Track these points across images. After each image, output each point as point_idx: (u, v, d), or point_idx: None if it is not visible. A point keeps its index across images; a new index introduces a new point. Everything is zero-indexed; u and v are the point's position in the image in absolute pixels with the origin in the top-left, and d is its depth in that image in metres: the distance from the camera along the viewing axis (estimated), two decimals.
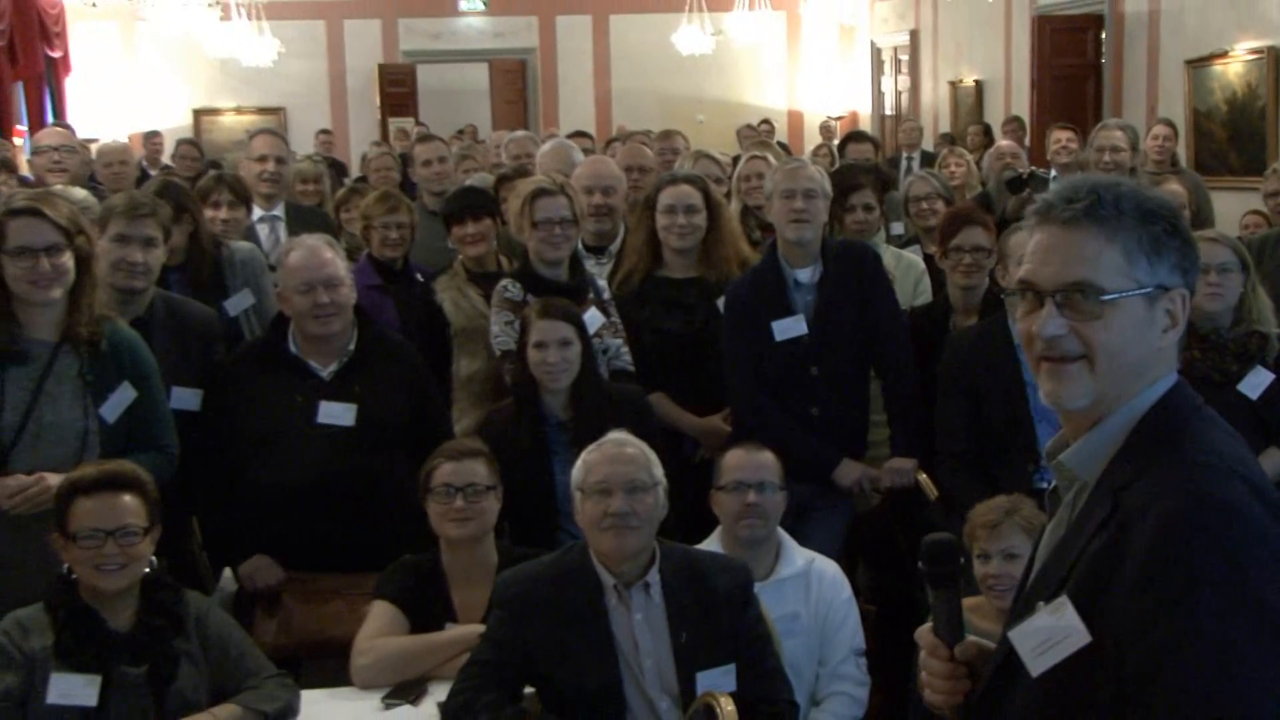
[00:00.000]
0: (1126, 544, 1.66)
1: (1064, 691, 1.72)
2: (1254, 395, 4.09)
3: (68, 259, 3.59)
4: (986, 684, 1.88)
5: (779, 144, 11.31)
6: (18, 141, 11.20)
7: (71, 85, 16.07)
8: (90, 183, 7.32)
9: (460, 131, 14.49)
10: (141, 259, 4.13)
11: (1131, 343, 1.76)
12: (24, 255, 3.54)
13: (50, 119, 14.42)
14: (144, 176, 8.56)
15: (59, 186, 5.69)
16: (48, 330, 3.63)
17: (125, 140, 9.91)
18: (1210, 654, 1.57)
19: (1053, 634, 1.72)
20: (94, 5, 13.95)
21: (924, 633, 2.00)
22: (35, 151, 7.70)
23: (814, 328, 4.45)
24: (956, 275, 4.70)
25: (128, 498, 3.17)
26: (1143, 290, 1.75)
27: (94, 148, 8.70)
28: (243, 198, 5.56)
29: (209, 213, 5.25)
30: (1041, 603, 1.76)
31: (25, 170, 8.49)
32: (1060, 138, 7.89)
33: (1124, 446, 1.77)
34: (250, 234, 5.71)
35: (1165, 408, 1.78)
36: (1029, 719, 1.78)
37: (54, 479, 3.41)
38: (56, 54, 15.54)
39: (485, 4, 17.87)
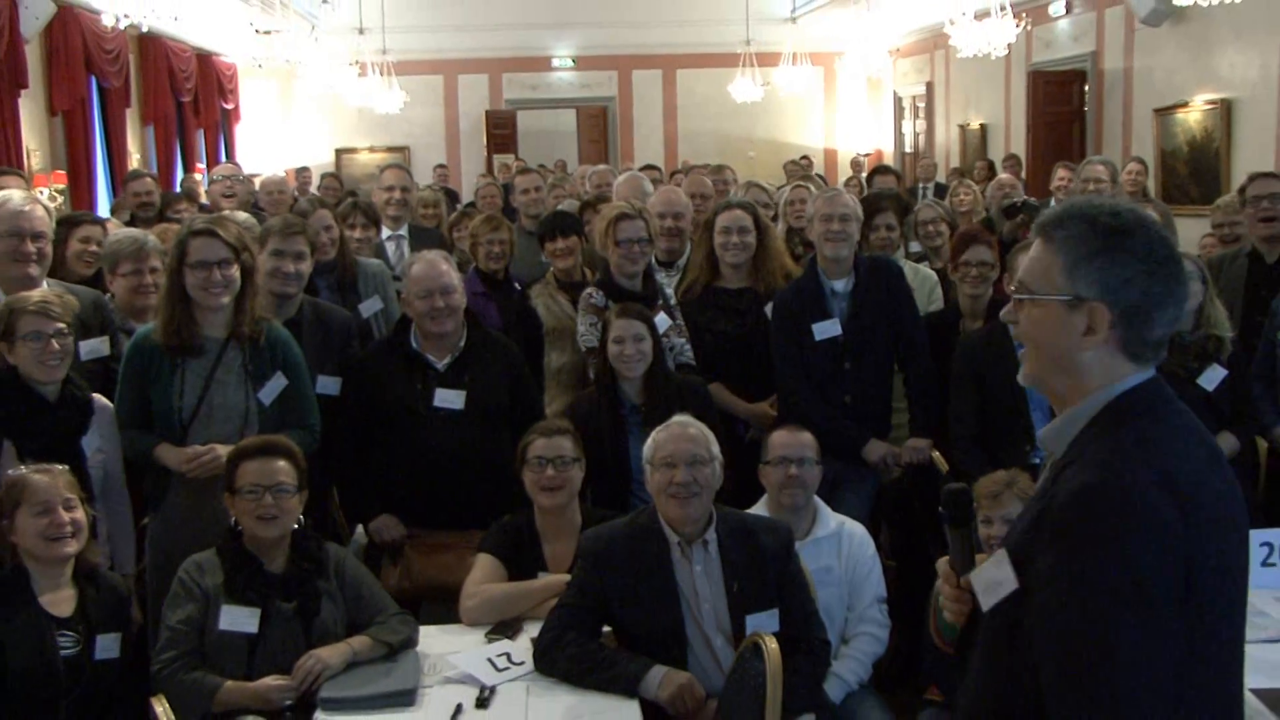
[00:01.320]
0: (1049, 511, 1.67)
1: (1003, 624, 1.74)
2: (1210, 388, 4.08)
3: (235, 271, 3.62)
4: (972, 611, 1.92)
5: (817, 175, 11.23)
6: (198, 177, 11.40)
7: (240, 130, 16.36)
8: (254, 208, 7.41)
9: (542, 164, 14.57)
10: (294, 269, 4.16)
11: (1049, 337, 1.75)
12: (201, 267, 3.58)
13: (223, 158, 14.67)
14: (294, 203, 8.64)
15: (228, 211, 5.76)
16: (219, 329, 3.66)
17: (282, 174, 10.05)
18: (1081, 616, 1.58)
19: (994, 579, 1.76)
20: (259, 66, 14.14)
21: (942, 563, 2.04)
22: (211, 183, 7.83)
23: (847, 329, 4.39)
24: (965, 285, 4.64)
25: (282, 462, 3.21)
26: (1060, 296, 1.73)
27: (257, 180, 8.83)
28: (374, 220, 5.61)
29: (345, 232, 5.31)
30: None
31: (204, 199, 8.63)
32: (1063, 175, 7.76)
33: (1083, 430, 1.75)
34: (380, 250, 5.75)
35: (1124, 400, 1.73)
36: (985, 641, 1.81)
37: (223, 449, 3.46)
38: (229, 106, 15.82)
39: (574, 61, 17.90)
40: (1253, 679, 2.02)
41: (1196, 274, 4.09)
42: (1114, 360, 1.73)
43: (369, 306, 4.90)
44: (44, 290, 3.75)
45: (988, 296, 4.63)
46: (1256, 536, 3.23)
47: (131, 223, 6.81)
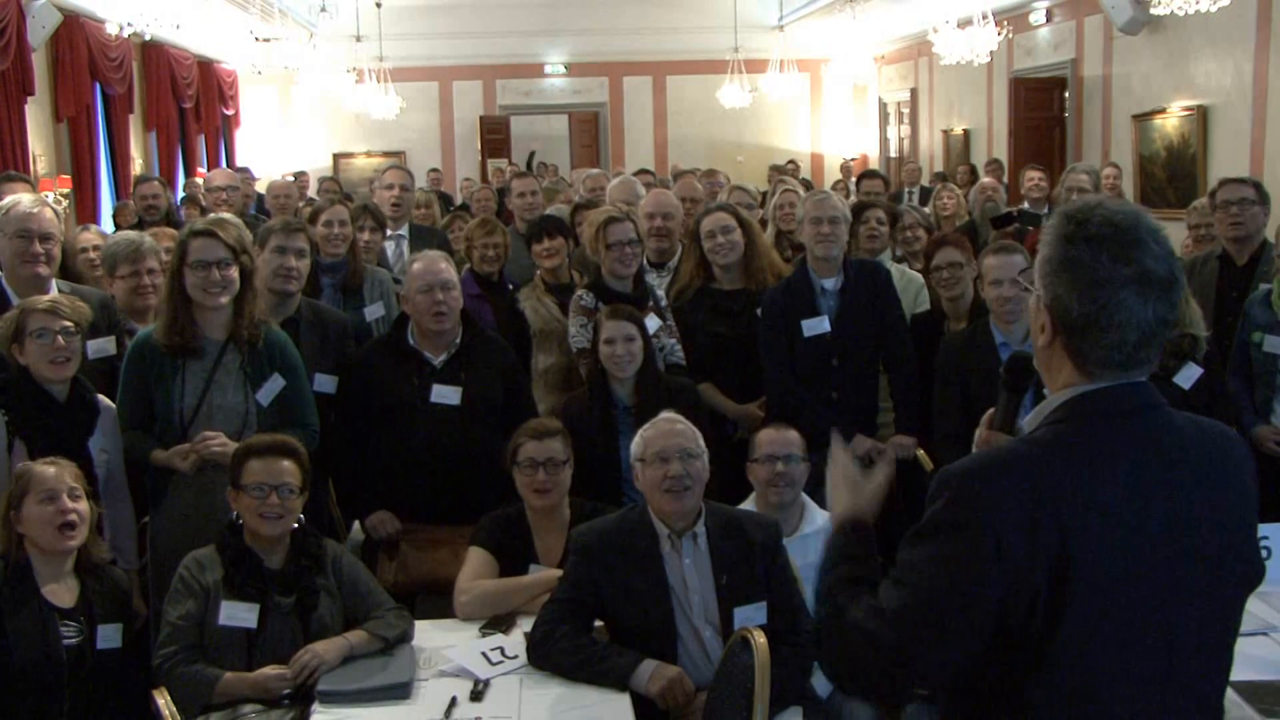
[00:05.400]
0: None
1: None
2: (1186, 386, 4.05)
3: (234, 272, 3.60)
4: None
5: (803, 180, 11.23)
6: (199, 181, 11.38)
7: (241, 136, 16.33)
8: (257, 208, 7.39)
9: (542, 162, 14.62)
10: (295, 264, 4.16)
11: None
12: (200, 267, 3.56)
13: (224, 163, 14.63)
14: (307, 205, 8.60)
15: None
16: (218, 331, 3.64)
17: (291, 179, 10.04)
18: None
19: None
20: (259, 73, 14.09)
21: (986, 419, 2.09)
22: (207, 189, 7.81)
23: (835, 327, 4.39)
24: (940, 288, 4.64)
25: (288, 463, 3.20)
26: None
27: (267, 183, 8.82)
28: (381, 223, 5.60)
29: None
30: None
31: (203, 202, 8.60)
32: (1033, 176, 7.79)
33: (1041, 423, 1.70)
34: (380, 251, 5.73)
35: (1074, 403, 1.67)
36: None
37: (229, 442, 3.45)
38: (230, 112, 15.79)
39: (566, 68, 17.89)
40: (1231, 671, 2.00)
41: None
42: (1067, 366, 1.68)
43: (373, 311, 4.88)
44: (55, 295, 3.75)
45: (968, 298, 4.61)
46: None
47: (139, 224, 6.84)
